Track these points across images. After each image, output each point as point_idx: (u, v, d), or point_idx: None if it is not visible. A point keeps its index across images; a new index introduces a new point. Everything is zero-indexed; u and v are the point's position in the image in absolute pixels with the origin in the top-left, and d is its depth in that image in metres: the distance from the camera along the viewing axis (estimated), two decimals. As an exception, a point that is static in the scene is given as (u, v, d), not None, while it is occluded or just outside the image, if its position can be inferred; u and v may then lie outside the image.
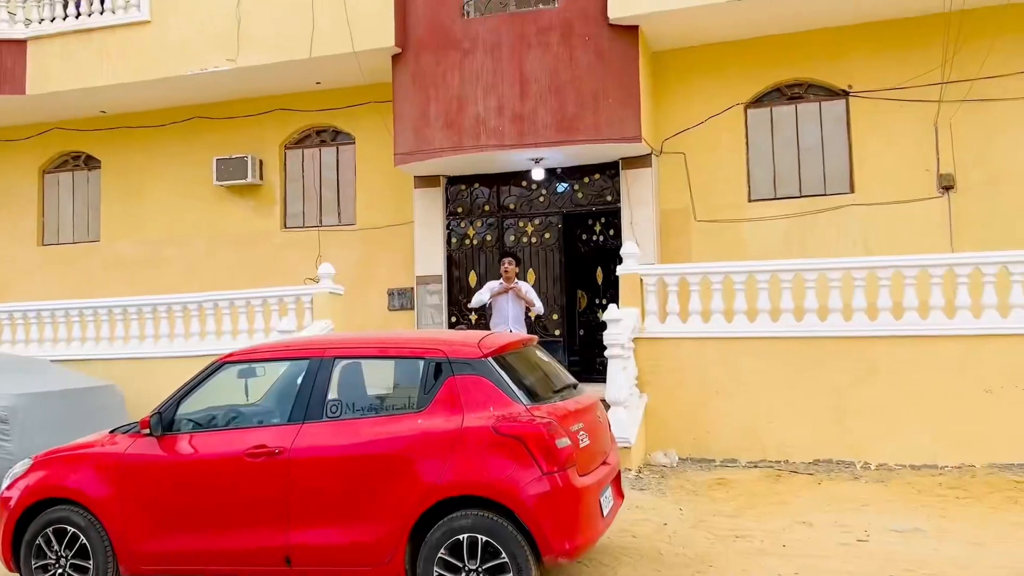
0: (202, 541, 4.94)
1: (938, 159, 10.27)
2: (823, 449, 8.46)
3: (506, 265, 9.41)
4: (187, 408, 5.26)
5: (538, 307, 9.57)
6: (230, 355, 5.39)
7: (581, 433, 4.83)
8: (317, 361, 5.05)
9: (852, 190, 10.67)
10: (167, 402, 5.22)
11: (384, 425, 4.75)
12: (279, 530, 4.77)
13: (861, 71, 10.62)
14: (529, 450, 4.45)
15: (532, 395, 4.81)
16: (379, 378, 5.43)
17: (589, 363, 11.67)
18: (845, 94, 10.77)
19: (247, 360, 5.37)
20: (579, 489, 4.52)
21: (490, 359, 4.80)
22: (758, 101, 11.21)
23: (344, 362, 5.14)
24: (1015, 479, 7.52)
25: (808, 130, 11.01)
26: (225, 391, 5.58)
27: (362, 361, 5.25)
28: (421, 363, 4.87)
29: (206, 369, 5.35)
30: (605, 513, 4.88)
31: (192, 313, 10.60)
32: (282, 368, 5.52)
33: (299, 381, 5.07)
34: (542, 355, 5.63)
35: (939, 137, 10.25)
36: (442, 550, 4.47)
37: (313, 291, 10.14)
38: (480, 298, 9.44)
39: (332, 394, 5.00)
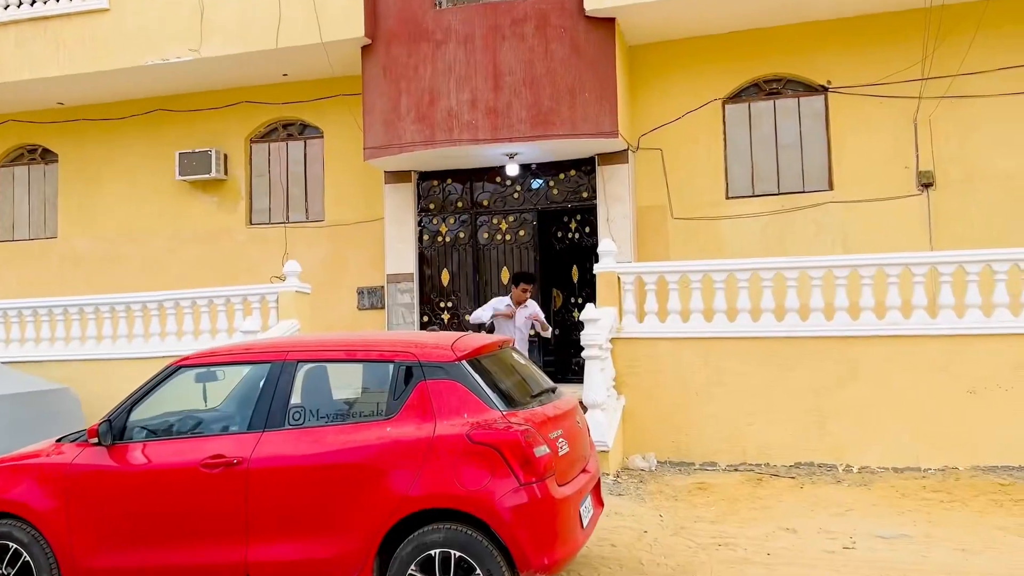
0: (155, 557, 4.64)
1: (917, 156, 10.16)
2: (804, 452, 8.30)
3: (528, 293, 8.64)
4: (140, 415, 4.96)
5: (548, 331, 9.08)
6: (186, 358, 5.07)
7: (560, 440, 4.59)
8: (279, 365, 4.76)
9: (831, 187, 10.53)
10: (118, 409, 4.91)
11: (350, 433, 4.47)
12: (237, 545, 4.49)
13: (840, 66, 10.48)
14: (505, 459, 4.21)
15: (508, 400, 4.56)
16: (346, 383, 5.14)
17: (565, 363, 11.43)
18: (824, 90, 10.63)
19: (204, 364, 5.06)
20: (558, 500, 4.30)
21: (464, 362, 4.55)
22: (736, 96, 11.03)
23: (308, 366, 4.86)
24: (1000, 482, 7.41)
25: (786, 126, 10.85)
26: (182, 397, 5.27)
27: (327, 365, 4.96)
28: (390, 367, 4.60)
29: (160, 373, 5.02)
30: (585, 524, 4.67)
31: (152, 312, 10.19)
32: (242, 372, 5.21)
33: (260, 386, 4.77)
34: (518, 358, 5.39)
35: (918, 134, 10.15)
36: (412, 566, 4.23)
37: (279, 290, 9.78)
38: (479, 316, 8.65)
39: (295, 400, 4.73)
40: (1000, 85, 9.86)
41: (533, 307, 8.80)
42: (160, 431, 4.96)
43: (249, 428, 4.65)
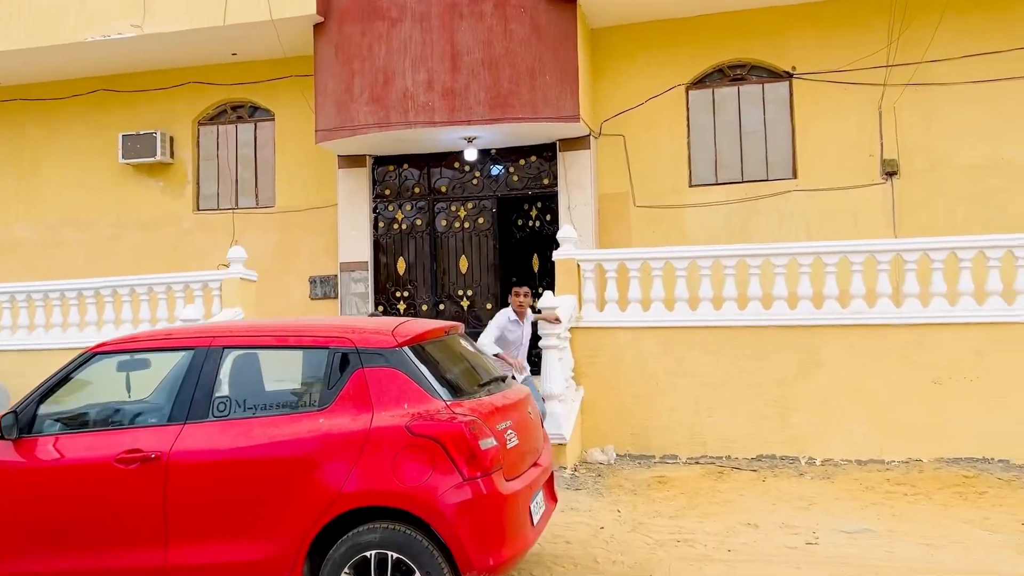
0: (65, 561, 4.25)
1: (882, 144, 10.01)
2: (767, 444, 8.10)
3: (521, 297, 7.65)
4: (52, 406, 4.54)
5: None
6: (102, 345, 4.65)
7: (509, 432, 4.29)
8: (203, 351, 4.38)
9: (795, 175, 10.34)
10: (26, 400, 4.48)
11: (280, 426, 4.11)
12: (156, 548, 4.12)
13: (805, 52, 10.29)
14: (448, 453, 3.90)
15: (454, 390, 4.26)
16: (278, 372, 4.76)
17: (523, 355, 11.12)
18: (788, 76, 10.43)
19: (122, 350, 4.64)
20: (505, 496, 4.01)
21: (406, 349, 4.22)
22: (700, 82, 10.79)
23: (236, 352, 4.48)
24: (964, 474, 7.27)
25: (750, 113, 10.64)
26: (103, 386, 4.86)
27: (257, 351, 4.59)
28: (325, 353, 4.24)
29: (74, 361, 4.61)
30: (535, 521, 4.37)
31: (89, 300, 9.69)
32: (173, 360, 4.80)
33: (183, 374, 4.38)
34: (467, 345, 5.07)
35: (883, 122, 9.99)
36: (346, 569, 3.92)
37: (221, 277, 9.32)
38: (486, 342, 7.40)
39: (221, 390, 4.35)
40: (965, 72, 9.73)
41: (531, 314, 7.91)
42: (74, 424, 4.55)
43: (170, 420, 4.27)
